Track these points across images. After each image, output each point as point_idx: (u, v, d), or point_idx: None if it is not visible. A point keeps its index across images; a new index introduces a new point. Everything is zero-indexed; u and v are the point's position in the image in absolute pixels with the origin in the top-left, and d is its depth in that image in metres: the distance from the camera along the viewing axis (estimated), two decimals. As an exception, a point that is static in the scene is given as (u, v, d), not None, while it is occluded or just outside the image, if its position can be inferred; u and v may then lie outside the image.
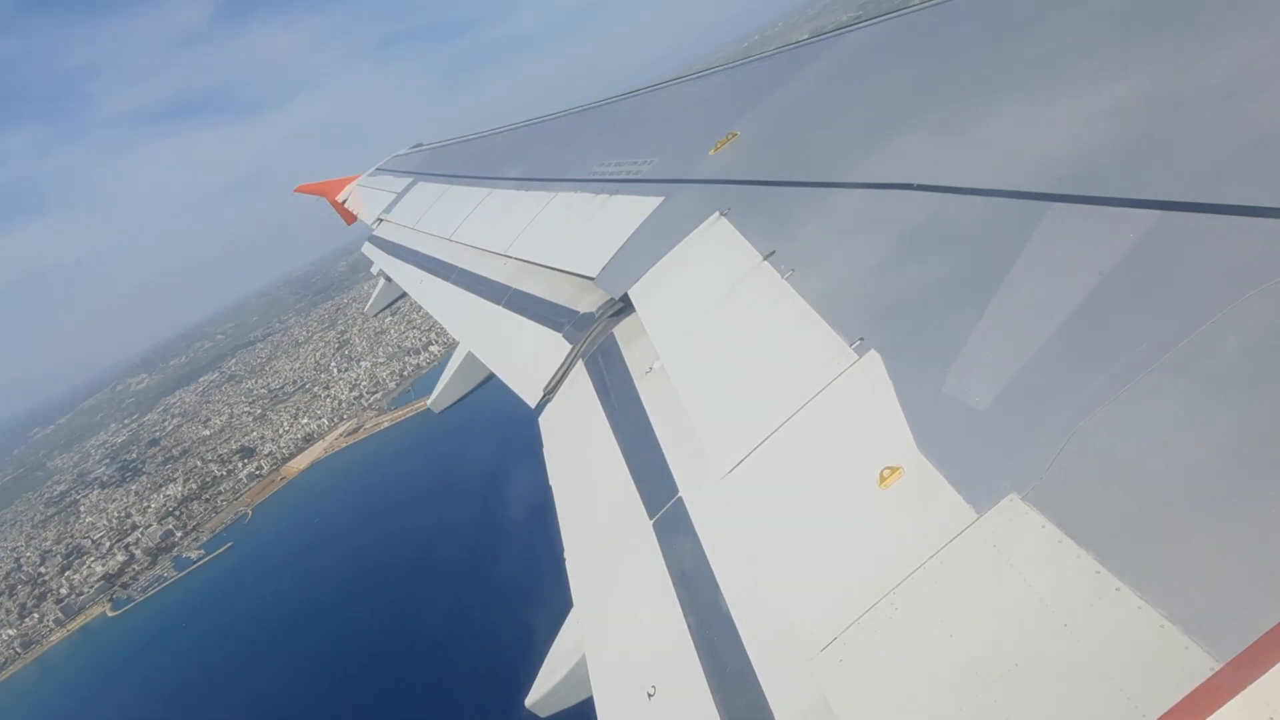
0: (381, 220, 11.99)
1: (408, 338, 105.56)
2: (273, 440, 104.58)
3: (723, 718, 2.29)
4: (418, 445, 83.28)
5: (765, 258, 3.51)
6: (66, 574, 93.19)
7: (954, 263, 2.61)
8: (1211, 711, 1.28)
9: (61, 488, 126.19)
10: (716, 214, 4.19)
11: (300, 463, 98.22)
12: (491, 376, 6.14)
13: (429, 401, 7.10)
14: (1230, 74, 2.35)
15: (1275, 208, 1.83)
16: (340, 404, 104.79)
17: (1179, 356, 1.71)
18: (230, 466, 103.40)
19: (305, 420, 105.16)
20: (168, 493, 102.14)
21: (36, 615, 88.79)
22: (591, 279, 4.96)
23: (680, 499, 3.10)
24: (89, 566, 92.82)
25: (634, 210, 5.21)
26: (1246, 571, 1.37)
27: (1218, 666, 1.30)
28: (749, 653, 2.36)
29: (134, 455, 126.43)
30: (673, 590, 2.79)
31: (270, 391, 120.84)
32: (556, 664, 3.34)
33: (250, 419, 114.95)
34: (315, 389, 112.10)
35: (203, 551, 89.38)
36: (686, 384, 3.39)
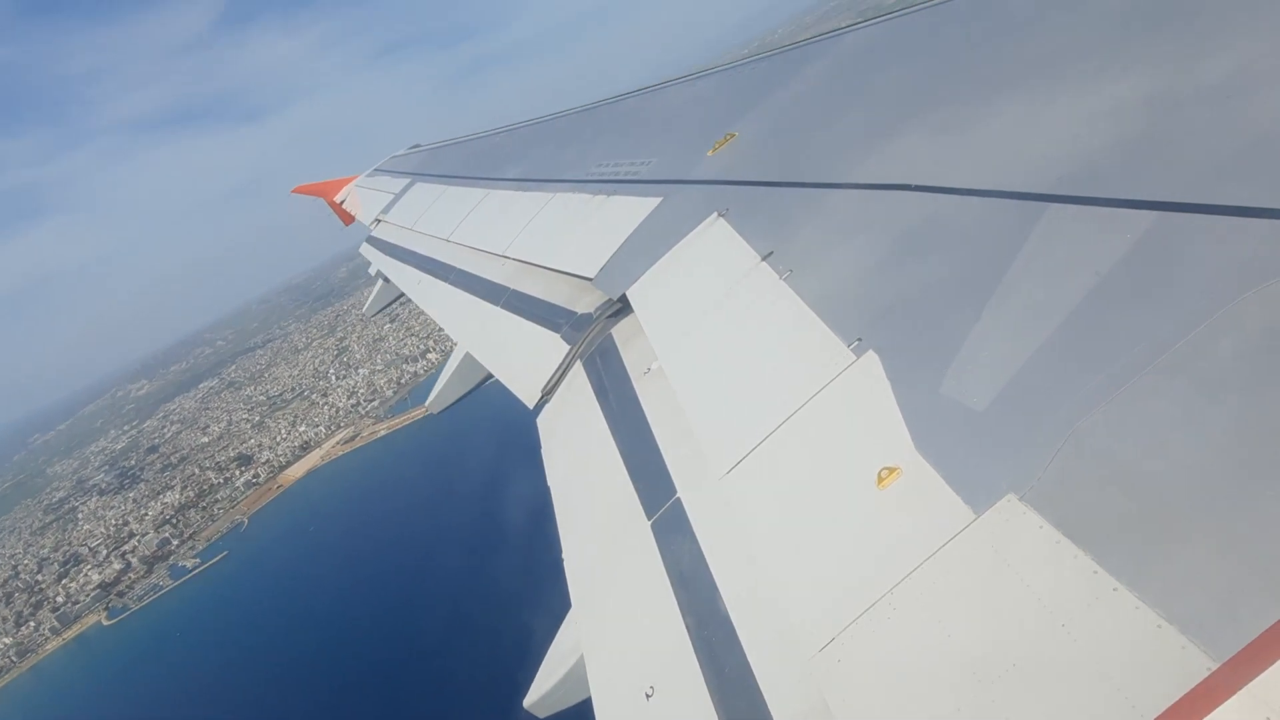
0: (379, 221, 11.98)
1: (406, 345, 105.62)
2: (270, 448, 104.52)
3: (721, 718, 2.29)
4: (415, 451, 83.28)
5: (763, 258, 3.51)
6: (63, 582, 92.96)
7: (952, 263, 2.61)
8: (1209, 711, 1.28)
9: (60, 494, 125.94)
10: (715, 215, 4.19)
11: (297, 471, 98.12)
12: (489, 377, 6.14)
13: (427, 402, 7.10)
14: (1228, 75, 2.36)
15: (1273, 208, 1.84)
16: (338, 411, 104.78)
17: (1176, 357, 1.71)
18: (227, 474, 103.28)
19: (303, 428, 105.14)
20: (165, 500, 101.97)
21: (33, 624, 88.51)
22: (590, 279, 4.96)
23: (678, 499, 3.10)
24: (86, 574, 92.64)
25: (632, 211, 5.21)
26: (1244, 571, 1.37)
27: (1215, 666, 1.31)
28: (747, 653, 2.35)
29: (133, 462, 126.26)
30: (671, 591, 2.79)
31: (269, 398, 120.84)
32: (555, 665, 3.33)
33: (248, 426, 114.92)
34: (313, 396, 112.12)
35: (198, 560, 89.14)
36: (685, 384, 3.39)
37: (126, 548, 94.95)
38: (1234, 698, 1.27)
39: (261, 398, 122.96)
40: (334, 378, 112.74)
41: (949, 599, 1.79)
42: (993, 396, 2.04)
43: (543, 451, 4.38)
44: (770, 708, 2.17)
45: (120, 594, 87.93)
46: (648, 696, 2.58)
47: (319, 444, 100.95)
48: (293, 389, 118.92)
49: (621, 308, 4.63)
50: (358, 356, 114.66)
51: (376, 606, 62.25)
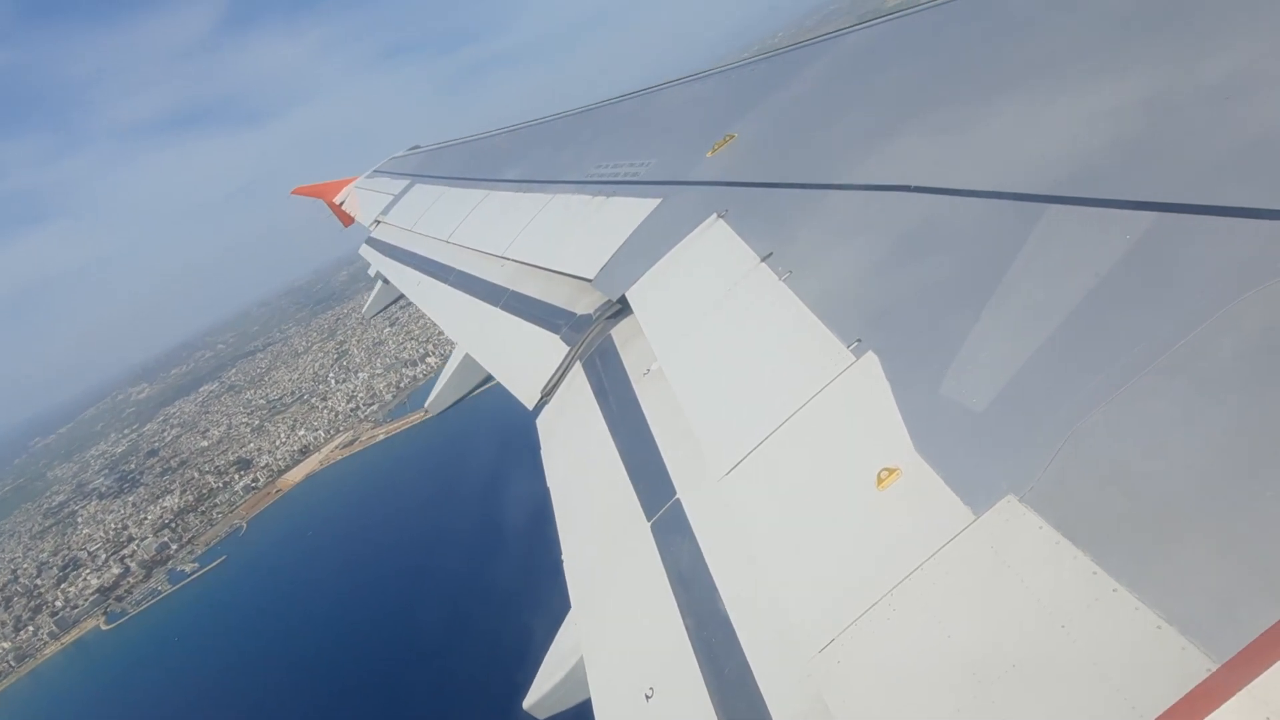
0: (379, 222, 11.98)
1: (405, 349, 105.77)
2: (269, 452, 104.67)
3: (720, 719, 2.29)
4: (414, 455, 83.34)
5: (763, 259, 3.51)
6: (62, 586, 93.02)
7: (951, 264, 2.61)
8: (1209, 712, 1.28)
9: (60, 498, 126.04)
10: (714, 216, 4.19)
11: (296, 475, 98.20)
12: (489, 378, 6.13)
13: (426, 403, 7.10)
14: (1227, 76, 2.36)
15: (1272, 209, 1.84)
16: (337, 416, 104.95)
17: (1175, 358, 1.71)
18: (227, 478, 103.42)
19: (302, 432, 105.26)
20: (164, 504, 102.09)
21: (31, 628, 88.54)
22: (589, 281, 4.96)
23: (678, 500, 3.10)
24: (85, 579, 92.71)
25: (632, 212, 5.21)
26: (1244, 572, 1.37)
27: (1215, 667, 1.31)
28: (747, 654, 2.35)
29: (132, 466, 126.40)
30: (671, 592, 2.79)
31: (269, 402, 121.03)
32: (554, 666, 3.33)
33: (248, 430, 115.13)
34: (313, 400, 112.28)
35: (197, 565, 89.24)
36: (684, 386, 3.38)
37: (125, 552, 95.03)
38: (1234, 698, 1.27)
39: (261, 401, 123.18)
40: (333, 381, 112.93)
41: (949, 600, 1.79)
42: (992, 397, 2.04)
43: (542, 452, 4.38)
44: (770, 708, 2.17)
45: (119, 598, 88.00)
46: (647, 698, 2.58)
47: (318, 448, 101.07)
48: (292, 393, 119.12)
49: (621, 309, 4.63)
50: (357, 360, 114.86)
51: (375, 610, 62.23)
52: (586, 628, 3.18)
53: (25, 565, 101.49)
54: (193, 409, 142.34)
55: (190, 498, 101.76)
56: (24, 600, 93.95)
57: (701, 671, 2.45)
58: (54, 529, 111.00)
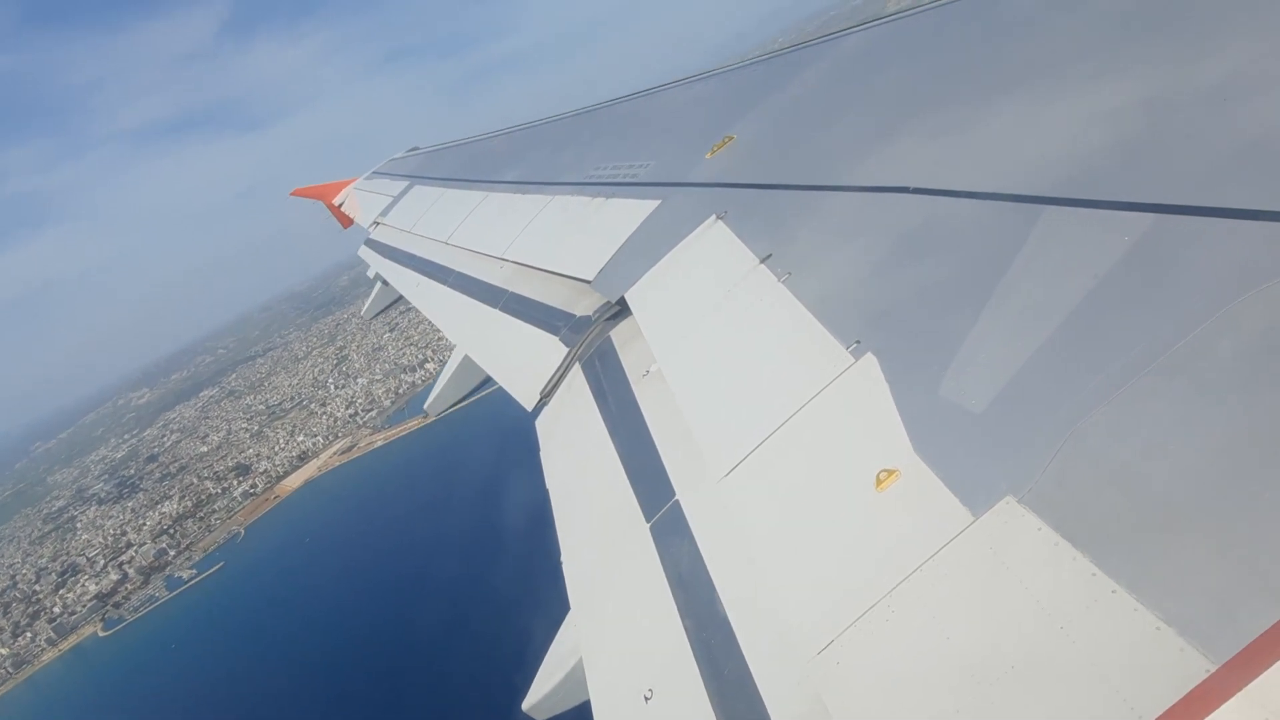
0: (378, 223, 11.98)
1: (405, 354, 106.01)
2: (268, 458, 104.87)
3: None
4: (412, 459, 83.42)
5: (762, 261, 3.51)
6: (60, 592, 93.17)
7: (950, 266, 2.61)
8: (1208, 713, 1.28)
9: (60, 503, 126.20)
10: (713, 217, 4.19)
11: (294, 481, 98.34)
12: (488, 380, 6.13)
13: (426, 404, 7.10)
14: (1225, 77, 2.36)
15: (1271, 210, 1.84)
16: (336, 421, 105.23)
17: (1174, 359, 1.71)
18: (225, 484, 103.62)
19: (301, 438, 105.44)
20: (163, 510, 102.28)
21: (29, 634, 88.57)
22: (588, 282, 4.96)
23: (677, 502, 3.10)
24: (83, 585, 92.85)
25: (631, 213, 5.21)
26: (1243, 573, 1.37)
27: (1214, 668, 1.31)
28: (746, 656, 2.35)
29: (132, 471, 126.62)
30: (670, 593, 2.79)
31: (268, 408, 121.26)
32: (553, 668, 3.33)
33: (247, 435, 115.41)
34: (312, 405, 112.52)
35: (195, 571, 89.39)
36: (683, 387, 3.38)
37: (124, 558, 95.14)
38: (1233, 699, 1.27)
39: (261, 407, 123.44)
40: (333, 387, 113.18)
41: (948, 601, 1.79)
42: (991, 398, 2.04)
43: (541, 454, 4.38)
44: (769, 710, 2.17)
45: (116, 605, 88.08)
46: (646, 699, 2.58)
47: (316, 454, 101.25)
48: (292, 398, 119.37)
49: (620, 310, 4.63)
50: (357, 366, 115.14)
51: (373, 614, 62.17)
52: (586, 629, 3.18)
53: (24, 571, 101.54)
54: (193, 414, 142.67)
55: (189, 503, 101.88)
56: (22, 606, 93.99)
57: (701, 673, 2.45)
58: (53, 534, 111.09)
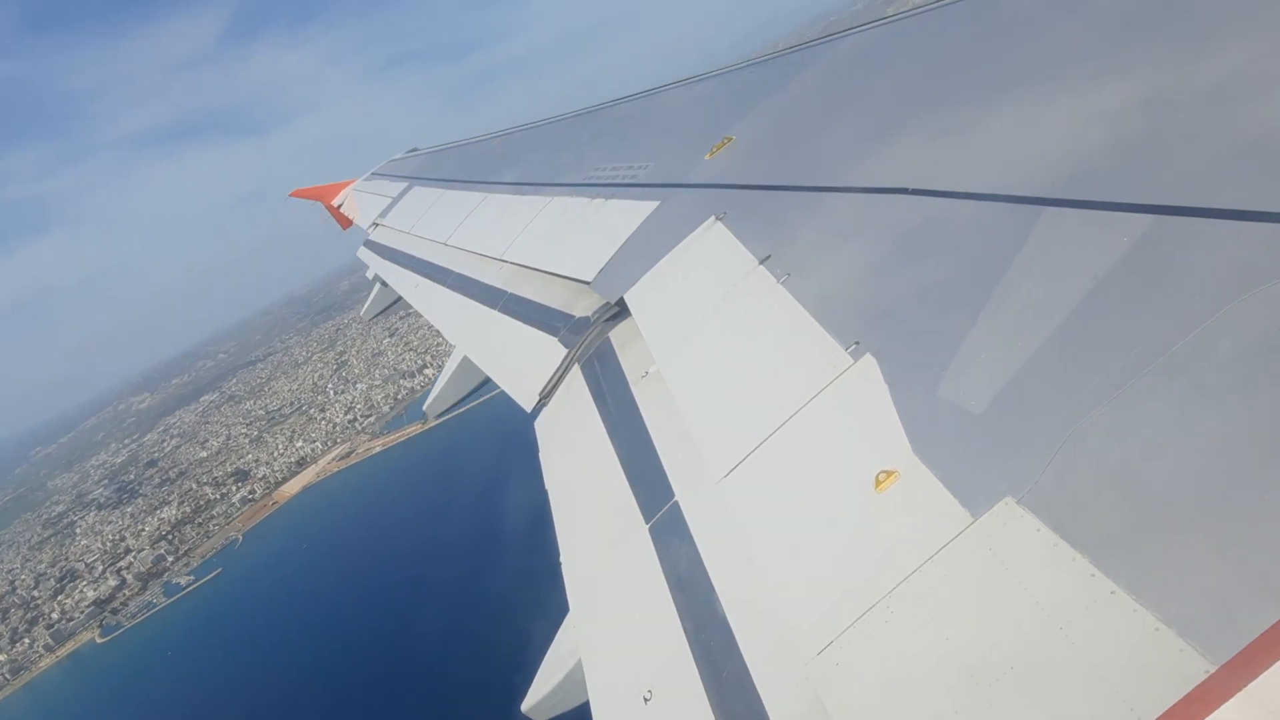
0: (377, 225, 11.98)
1: (404, 360, 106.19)
2: (267, 463, 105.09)
3: None
4: (411, 465, 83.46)
5: (761, 262, 3.51)
6: (59, 598, 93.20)
7: (949, 266, 2.61)
8: (1207, 713, 1.28)
9: (60, 509, 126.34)
10: (712, 218, 4.19)
11: (292, 487, 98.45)
12: (487, 381, 6.13)
13: (425, 405, 7.10)
14: (1224, 78, 2.36)
15: (1270, 212, 1.84)
16: (335, 427, 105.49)
17: (1174, 360, 1.71)
18: (224, 490, 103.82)
19: (300, 443, 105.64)
20: (162, 516, 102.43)
21: (27, 640, 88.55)
22: (587, 283, 4.96)
23: (676, 503, 3.09)
24: (81, 591, 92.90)
25: (630, 214, 5.21)
26: (1242, 574, 1.37)
27: (1213, 669, 1.31)
28: (745, 657, 2.35)
29: (132, 476, 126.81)
30: (669, 594, 2.79)
31: (268, 413, 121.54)
32: (553, 669, 3.33)
33: (247, 441, 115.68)
34: (311, 411, 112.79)
35: (192, 577, 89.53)
36: (682, 388, 3.38)
37: (122, 564, 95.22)
38: (1232, 700, 1.27)
39: (260, 412, 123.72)
40: (332, 392, 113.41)
41: (947, 602, 1.79)
42: (990, 399, 2.04)
43: (540, 455, 4.37)
44: (768, 711, 2.17)
45: (114, 611, 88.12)
46: (646, 700, 2.58)
47: (315, 460, 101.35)
48: (291, 403, 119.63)
49: (619, 311, 4.62)
50: (356, 371, 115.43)
51: (372, 619, 62.14)
52: (585, 630, 3.17)
53: (23, 576, 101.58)
54: (193, 419, 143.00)
55: (188, 509, 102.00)
56: (20, 612, 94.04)
57: (700, 674, 2.45)
58: (53, 540, 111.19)
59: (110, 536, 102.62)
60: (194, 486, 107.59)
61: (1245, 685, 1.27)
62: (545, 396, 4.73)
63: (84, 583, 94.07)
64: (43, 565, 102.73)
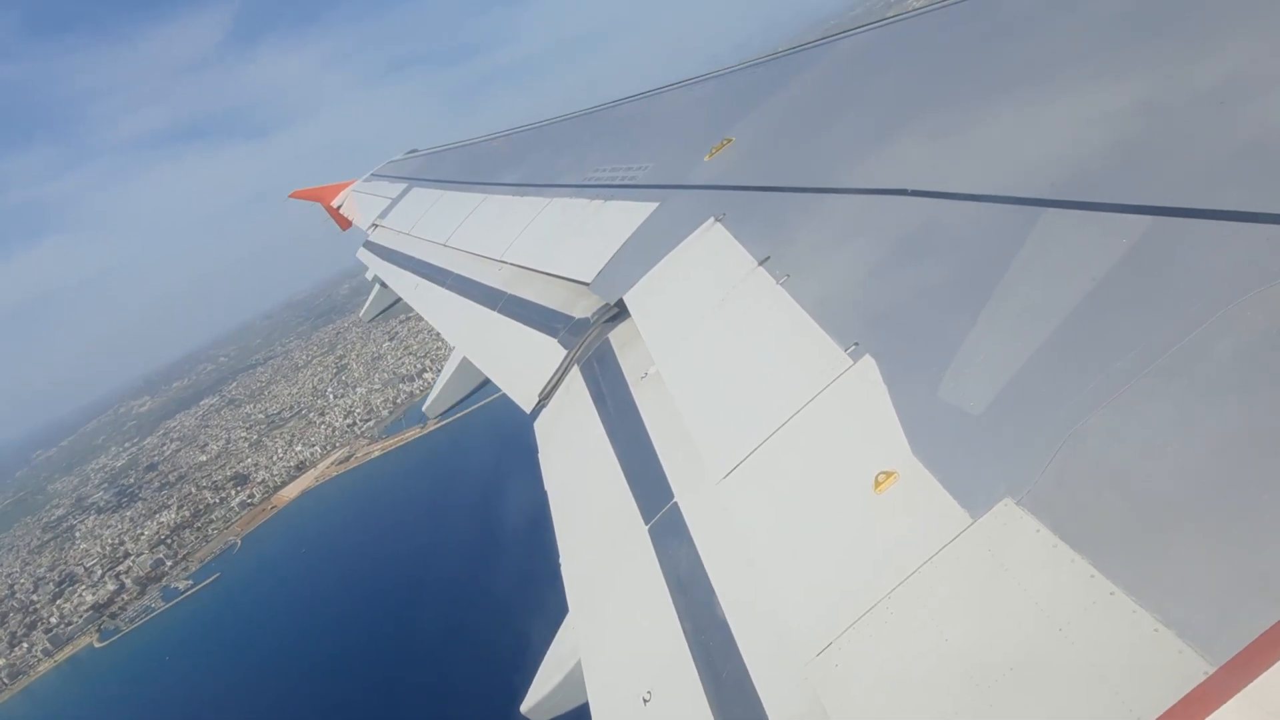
0: (376, 226, 11.97)
1: (404, 364, 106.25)
2: (266, 468, 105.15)
3: None
4: (410, 468, 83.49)
5: (760, 263, 3.51)
6: (57, 602, 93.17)
7: (949, 268, 2.61)
8: (1207, 714, 1.28)
9: (60, 512, 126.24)
10: (711, 219, 4.19)
11: (291, 491, 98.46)
12: (486, 382, 6.13)
13: (425, 406, 7.09)
14: (1224, 79, 2.37)
15: (1269, 213, 1.84)
16: (334, 431, 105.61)
17: (1173, 361, 1.71)
18: (223, 494, 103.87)
19: (299, 447, 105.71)
20: (161, 520, 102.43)
21: (26, 645, 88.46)
22: (587, 284, 4.96)
23: (676, 504, 3.09)
24: (80, 595, 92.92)
25: (629, 216, 5.21)
26: (1241, 575, 1.37)
27: (1212, 670, 1.30)
28: (744, 658, 2.35)
29: (131, 480, 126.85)
30: (668, 595, 2.79)
31: (267, 417, 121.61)
32: (552, 670, 3.32)
33: (246, 445, 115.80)
34: (311, 415, 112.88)
35: (191, 582, 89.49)
36: (682, 389, 3.38)
37: (121, 568, 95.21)
38: (1231, 701, 1.27)
39: (260, 416, 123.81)
40: (331, 396, 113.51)
41: (946, 603, 1.79)
42: (990, 400, 2.04)
43: (540, 456, 4.37)
44: (768, 711, 2.16)
45: (113, 615, 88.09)
46: (645, 701, 2.58)
47: (314, 464, 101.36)
48: (291, 407, 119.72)
49: (618, 312, 4.62)
50: (356, 375, 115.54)
51: (370, 622, 62.10)
52: (584, 631, 3.17)
53: (22, 580, 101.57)
54: (193, 423, 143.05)
55: (187, 513, 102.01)
56: (19, 616, 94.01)
57: (699, 675, 2.45)
58: (52, 543, 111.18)
59: (109, 541, 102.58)
60: (193, 490, 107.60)
61: (1244, 686, 1.27)
62: (545, 397, 4.73)
63: (83, 587, 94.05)
64: (42, 569, 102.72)
